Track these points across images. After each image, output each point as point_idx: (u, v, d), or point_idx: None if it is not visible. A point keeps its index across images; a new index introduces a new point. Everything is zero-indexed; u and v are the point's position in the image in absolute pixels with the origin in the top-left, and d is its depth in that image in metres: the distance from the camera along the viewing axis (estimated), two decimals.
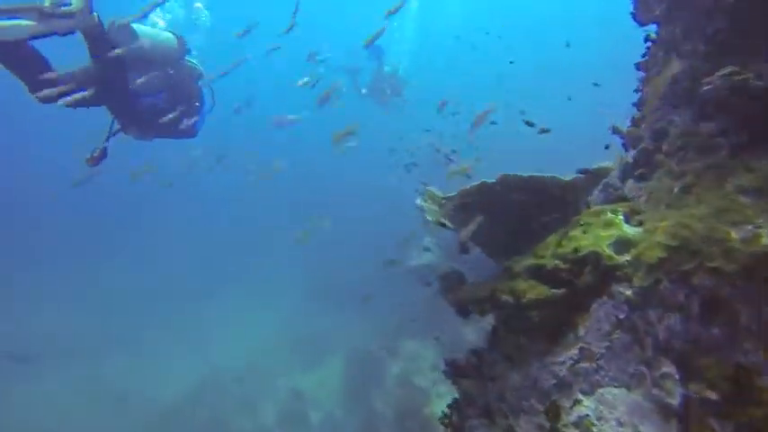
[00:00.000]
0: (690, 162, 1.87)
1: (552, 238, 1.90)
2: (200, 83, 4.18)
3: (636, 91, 2.60)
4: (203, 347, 12.38)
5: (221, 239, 17.78)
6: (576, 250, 1.71)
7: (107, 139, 3.78)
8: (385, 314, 10.61)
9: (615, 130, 3.02)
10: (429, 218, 2.54)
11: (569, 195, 2.01)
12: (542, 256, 1.81)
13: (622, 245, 1.68)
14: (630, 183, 2.47)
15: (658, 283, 1.44)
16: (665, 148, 2.07)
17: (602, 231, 1.78)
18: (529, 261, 1.84)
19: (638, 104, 2.73)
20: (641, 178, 2.38)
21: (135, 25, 3.61)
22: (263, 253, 16.04)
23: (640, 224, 1.82)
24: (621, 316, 1.53)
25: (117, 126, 3.84)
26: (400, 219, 12.11)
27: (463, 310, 2.23)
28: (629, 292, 1.54)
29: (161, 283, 14.62)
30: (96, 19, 3.17)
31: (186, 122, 3.97)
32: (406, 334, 9.94)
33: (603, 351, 1.52)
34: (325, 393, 9.97)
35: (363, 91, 10.25)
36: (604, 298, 1.61)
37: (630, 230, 1.77)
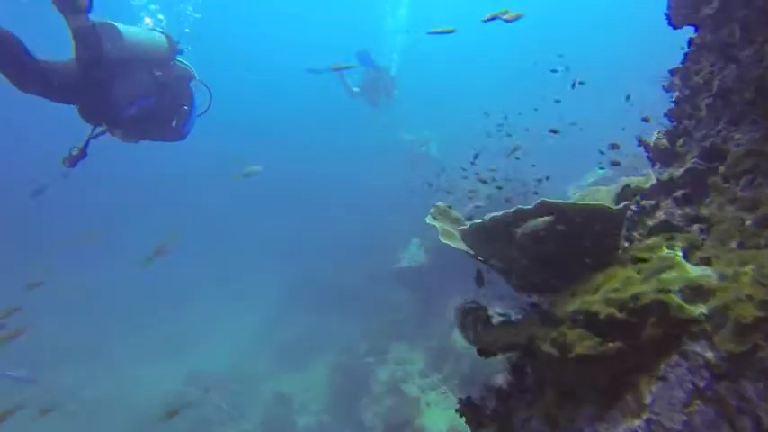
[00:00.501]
0: (760, 188, 1.61)
1: (600, 278, 1.61)
2: (191, 84, 3.97)
3: (676, 102, 2.33)
4: (187, 351, 12.05)
5: (210, 239, 17.38)
6: (636, 297, 1.43)
7: (88, 140, 3.52)
8: (372, 316, 10.37)
9: (641, 142, 2.77)
10: (444, 240, 2.24)
11: (611, 224, 1.72)
12: (591, 301, 1.52)
13: (693, 292, 1.40)
14: (670, 206, 2.20)
15: (757, 350, 1.16)
16: (722, 169, 1.80)
17: (663, 273, 1.49)
18: (574, 305, 1.55)
19: (674, 116, 2.46)
20: (685, 202, 2.11)
21: (120, 25, 3.33)
22: (251, 254, 15.72)
23: (706, 263, 1.55)
24: (702, 384, 1.25)
25: (102, 127, 3.58)
26: (394, 220, 11.87)
27: (486, 353, 1.93)
28: (710, 355, 1.26)
29: (144, 285, 14.20)
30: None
31: (174, 125, 3.81)
32: (394, 337, 9.70)
33: (680, 427, 1.24)
34: (310, 398, 9.71)
35: (355, 89, 9.92)
36: (675, 358, 1.33)
37: (696, 272, 1.50)
